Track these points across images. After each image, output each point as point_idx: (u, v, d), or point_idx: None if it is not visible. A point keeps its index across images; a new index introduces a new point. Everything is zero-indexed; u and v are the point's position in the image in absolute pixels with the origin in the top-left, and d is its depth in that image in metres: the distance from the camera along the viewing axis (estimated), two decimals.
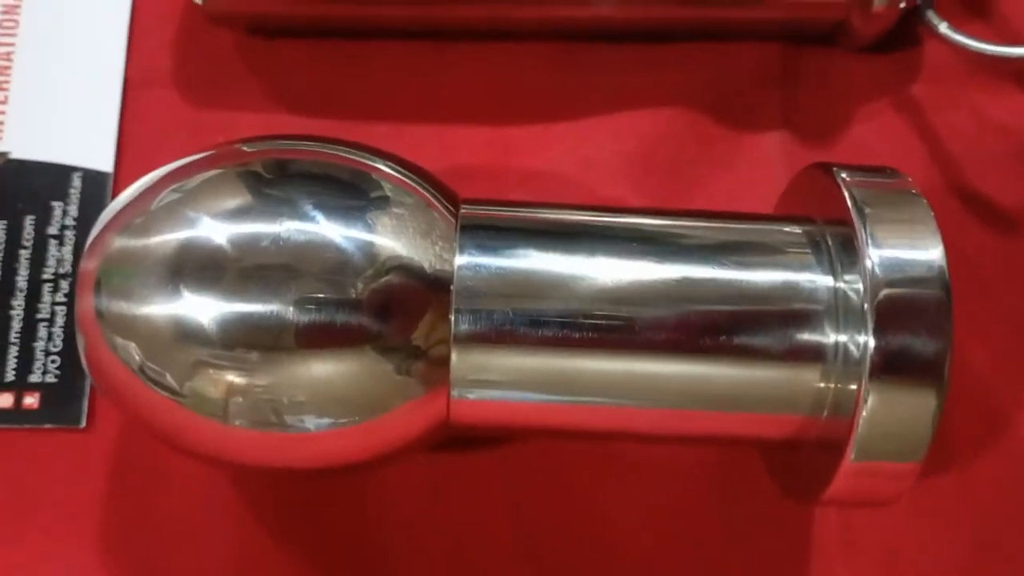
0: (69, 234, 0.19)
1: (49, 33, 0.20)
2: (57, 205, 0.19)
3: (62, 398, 0.18)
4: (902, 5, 0.19)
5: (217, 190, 0.15)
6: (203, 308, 0.14)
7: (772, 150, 0.20)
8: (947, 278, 0.14)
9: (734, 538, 0.17)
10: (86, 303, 0.14)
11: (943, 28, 0.19)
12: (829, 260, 0.15)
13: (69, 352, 0.18)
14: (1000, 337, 0.18)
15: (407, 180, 0.15)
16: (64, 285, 0.19)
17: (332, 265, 0.14)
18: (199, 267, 0.14)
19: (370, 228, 0.14)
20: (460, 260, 0.14)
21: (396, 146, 0.19)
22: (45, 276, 0.19)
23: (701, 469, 0.18)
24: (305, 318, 0.14)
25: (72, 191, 0.19)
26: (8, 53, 0.20)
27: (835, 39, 0.20)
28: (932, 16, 0.19)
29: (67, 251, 0.19)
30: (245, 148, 0.15)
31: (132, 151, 0.20)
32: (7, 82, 0.20)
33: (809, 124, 0.20)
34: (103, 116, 0.20)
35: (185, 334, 0.14)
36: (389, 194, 0.15)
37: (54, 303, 0.19)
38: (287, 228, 0.14)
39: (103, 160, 0.19)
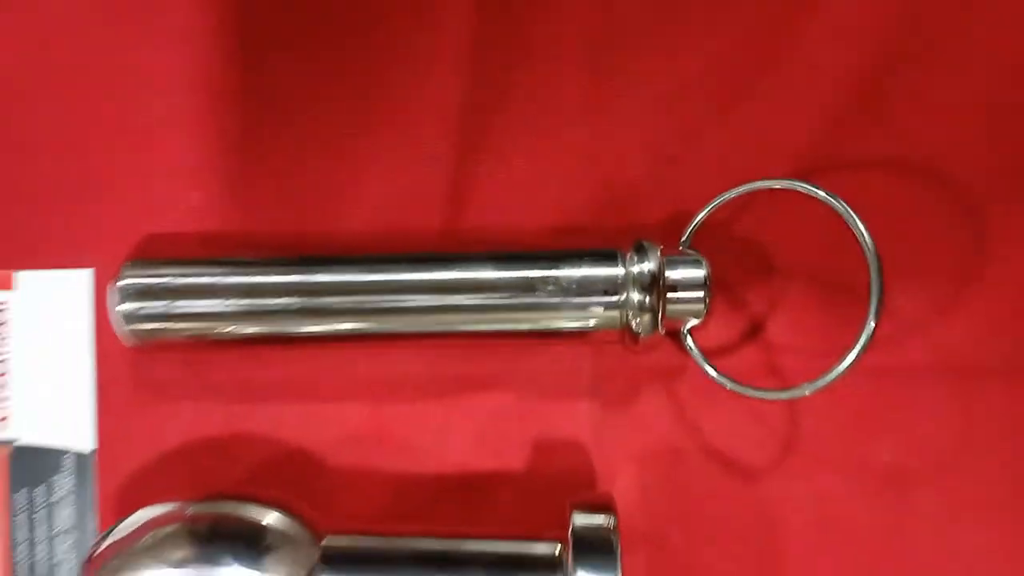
0: (68, 499, 0.29)
1: (33, 350, 0.29)
2: (58, 479, 0.29)
3: None
4: (662, 332, 0.27)
5: (167, 542, 0.25)
6: None
7: (582, 415, 0.29)
8: None
9: None
10: None
11: (694, 352, 0.27)
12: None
13: None
14: None
15: (288, 518, 0.25)
16: (68, 539, 0.29)
17: None
18: None
19: (261, 561, 0.24)
20: None
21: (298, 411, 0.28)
22: (57, 530, 0.29)
23: None
24: None
25: (68, 466, 0.29)
26: (6, 359, 0.29)
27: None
28: (690, 343, 0.27)
29: (71, 514, 0.29)
30: (189, 509, 0.25)
31: (107, 440, 0.29)
32: (6, 384, 0.29)
33: (610, 400, 0.29)
34: (81, 414, 0.29)
35: None
36: (273, 540, 0.25)
37: (64, 550, 0.29)
38: (209, 570, 0.24)
39: (86, 441, 0.29)
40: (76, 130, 0.30)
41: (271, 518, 0.26)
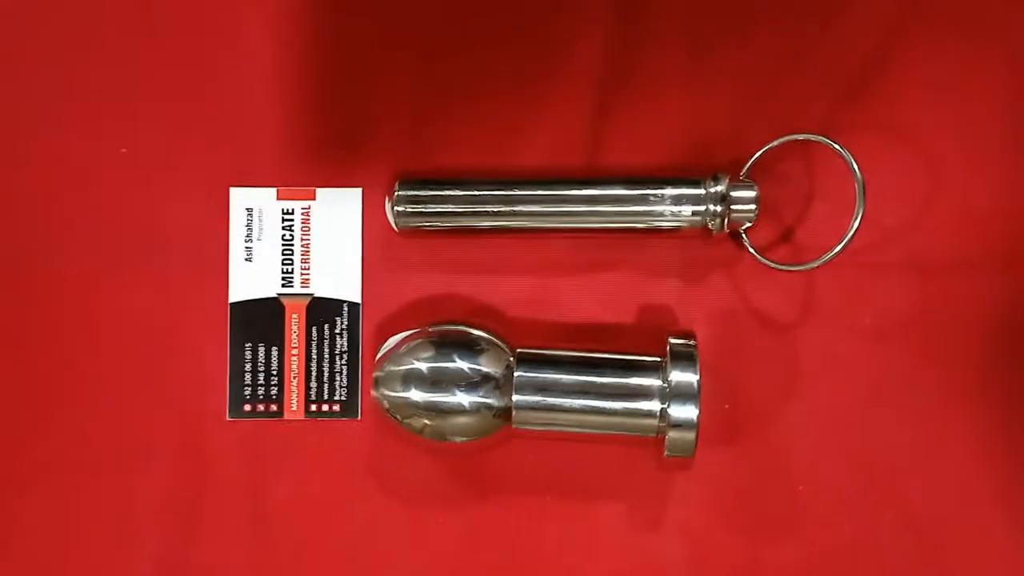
0: (343, 333, 0.46)
1: (324, 238, 0.47)
2: (338, 319, 0.47)
3: (349, 405, 0.46)
4: (726, 231, 0.43)
5: (420, 347, 0.42)
6: (415, 393, 0.42)
7: (672, 286, 0.45)
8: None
9: None
10: (376, 389, 0.42)
11: (747, 245, 0.43)
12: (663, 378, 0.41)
13: (351, 386, 0.46)
14: None
15: (492, 336, 0.42)
16: (344, 357, 0.46)
17: (466, 375, 0.41)
18: (414, 378, 0.42)
19: (477, 361, 0.41)
20: (517, 372, 0.41)
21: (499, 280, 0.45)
22: (337, 351, 0.47)
23: None
24: (458, 396, 0.41)
25: (344, 312, 0.47)
26: (308, 242, 0.47)
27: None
28: (744, 238, 0.43)
29: (345, 341, 0.46)
30: (429, 329, 0.42)
31: (369, 296, 0.46)
32: (310, 259, 0.47)
33: (692, 276, 0.45)
34: (353, 278, 0.46)
35: (409, 403, 0.42)
36: (486, 346, 0.42)
37: (341, 363, 0.46)
38: (446, 364, 0.41)
39: (355, 296, 0.46)
40: (360, 97, 0.47)
41: (482, 334, 0.43)
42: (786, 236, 0.45)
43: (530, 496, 0.45)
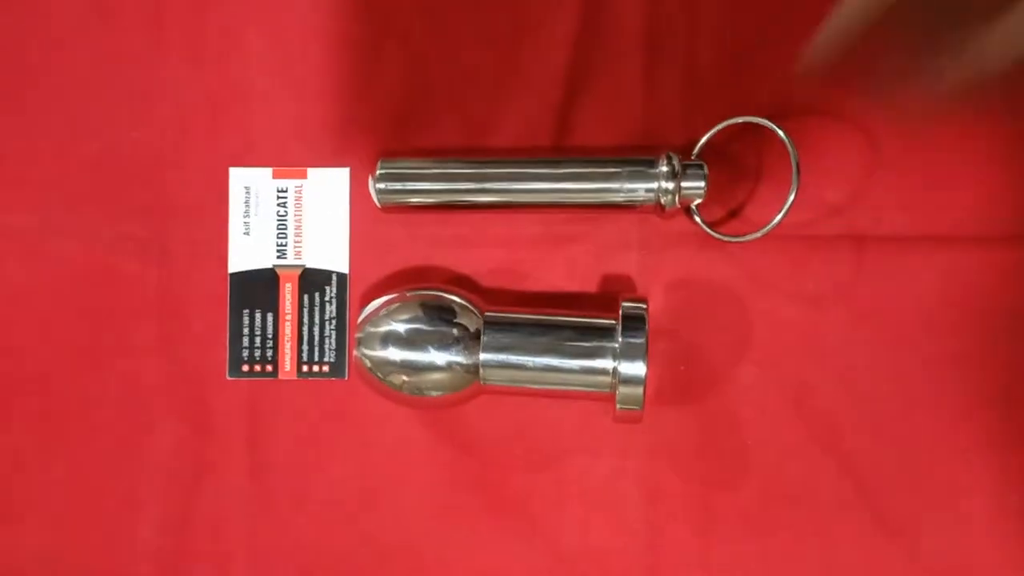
0: (332, 301, 0.51)
1: (315, 214, 0.51)
2: (327, 288, 0.51)
3: (337, 366, 0.51)
4: (678, 206, 0.47)
5: (399, 310, 0.47)
6: (393, 352, 0.46)
7: (631, 258, 0.50)
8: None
9: None
10: (358, 348, 0.47)
11: (698, 220, 0.48)
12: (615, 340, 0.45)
13: (339, 349, 0.51)
14: None
15: (464, 301, 0.47)
16: (333, 322, 0.51)
17: (440, 335, 0.46)
18: (392, 338, 0.46)
19: (450, 323, 0.46)
20: (484, 333, 0.46)
21: (473, 252, 0.50)
22: (327, 317, 0.51)
23: None
24: (431, 354, 0.46)
25: (333, 281, 0.51)
26: (301, 218, 0.51)
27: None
28: (695, 213, 0.48)
29: (333, 308, 0.51)
30: (408, 294, 0.47)
31: (356, 266, 0.51)
32: (302, 233, 0.51)
33: (650, 248, 0.50)
34: (341, 250, 0.51)
35: (388, 361, 0.46)
36: (458, 309, 0.46)
37: (330, 328, 0.51)
38: (421, 325, 0.46)
39: (343, 266, 0.51)
40: (358, 89, 0.51)
41: (455, 298, 0.47)
42: (736, 212, 0.49)
43: (500, 446, 0.50)
